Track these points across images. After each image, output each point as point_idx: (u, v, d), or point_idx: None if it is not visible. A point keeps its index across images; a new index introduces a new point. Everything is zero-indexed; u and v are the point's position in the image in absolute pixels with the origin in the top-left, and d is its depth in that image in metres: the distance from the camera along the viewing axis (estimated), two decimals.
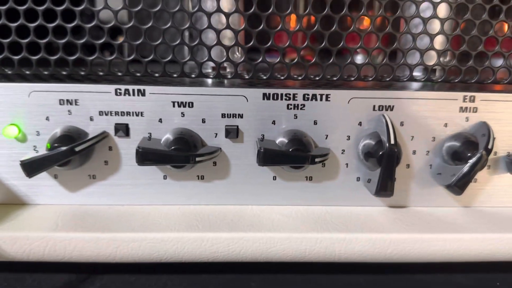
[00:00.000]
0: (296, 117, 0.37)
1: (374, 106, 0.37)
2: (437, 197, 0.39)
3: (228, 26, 0.35)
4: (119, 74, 0.36)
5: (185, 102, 0.36)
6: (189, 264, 0.37)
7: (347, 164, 0.38)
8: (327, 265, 0.39)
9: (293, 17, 0.36)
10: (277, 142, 0.37)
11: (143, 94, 0.36)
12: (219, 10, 0.35)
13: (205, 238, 0.34)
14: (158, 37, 0.35)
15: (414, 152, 0.38)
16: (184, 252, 0.34)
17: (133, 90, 0.36)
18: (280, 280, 0.40)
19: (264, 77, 0.37)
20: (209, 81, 0.38)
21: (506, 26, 0.37)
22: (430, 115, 0.37)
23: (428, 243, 0.35)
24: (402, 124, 0.37)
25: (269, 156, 0.35)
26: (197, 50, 0.37)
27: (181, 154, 0.34)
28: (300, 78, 0.37)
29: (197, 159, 0.34)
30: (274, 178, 0.38)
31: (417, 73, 0.40)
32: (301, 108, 0.37)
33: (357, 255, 0.35)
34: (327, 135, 0.38)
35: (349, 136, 0.38)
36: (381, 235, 0.34)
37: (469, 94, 0.37)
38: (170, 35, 0.36)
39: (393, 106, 0.37)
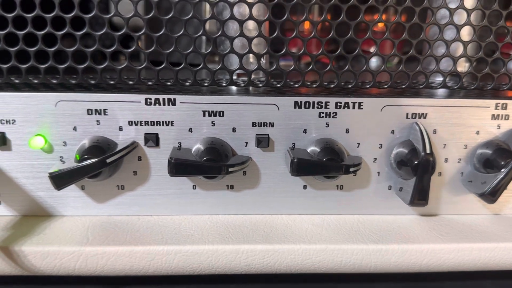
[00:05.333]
0: (328, 126, 0.36)
1: (407, 114, 0.37)
2: (468, 205, 0.39)
3: (260, 34, 0.34)
4: (149, 83, 0.36)
5: (216, 111, 0.35)
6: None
7: (378, 172, 0.38)
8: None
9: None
10: (308, 151, 0.36)
11: (174, 104, 0.35)
12: (251, 17, 0.34)
13: (240, 250, 0.33)
14: (188, 45, 0.34)
15: (446, 160, 0.38)
16: (219, 264, 0.33)
17: (163, 99, 0.35)
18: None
19: (296, 85, 0.37)
20: (236, 89, 0.37)
21: None
22: (462, 122, 0.37)
23: (463, 252, 0.34)
24: (434, 132, 0.37)
25: (302, 166, 0.34)
26: (226, 58, 0.37)
27: (214, 164, 0.33)
28: (332, 86, 0.37)
29: (230, 169, 0.34)
30: (305, 187, 0.38)
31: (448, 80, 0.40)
32: (333, 117, 0.36)
33: (393, 266, 0.34)
34: (359, 144, 0.37)
35: (381, 145, 0.37)
36: (417, 245, 0.34)
37: (501, 101, 0.37)
38: (199, 43, 0.35)
39: (426, 114, 0.37)
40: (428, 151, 0.34)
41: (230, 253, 0.33)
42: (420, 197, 0.35)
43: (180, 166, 0.33)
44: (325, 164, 0.35)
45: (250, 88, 0.37)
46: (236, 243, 0.34)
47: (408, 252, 0.34)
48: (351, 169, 0.35)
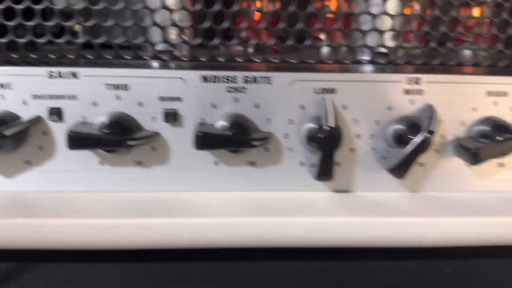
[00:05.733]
0: (238, 101, 0.36)
1: (315, 89, 0.36)
2: (383, 182, 0.39)
3: (165, 7, 0.34)
4: (53, 57, 0.35)
5: (120, 85, 0.35)
6: (132, 251, 0.36)
7: (290, 148, 0.38)
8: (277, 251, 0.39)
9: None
10: (217, 126, 0.36)
11: (77, 77, 0.35)
12: None
13: (138, 224, 0.33)
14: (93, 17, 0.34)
15: (358, 136, 0.37)
16: (118, 239, 0.33)
17: (66, 72, 0.35)
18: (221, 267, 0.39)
19: (205, 60, 0.36)
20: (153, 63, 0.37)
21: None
22: (373, 98, 0.37)
23: (365, 226, 0.34)
24: (345, 107, 0.37)
25: (206, 140, 0.34)
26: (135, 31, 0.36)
27: (113, 137, 0.33)
28: (242, 61, 0.37)
29: (129, 142, 0.33)
30: (216, 163, 0.37)
31: (365, 57, 0.40)
32: (242, 91, 0.36)
33: (294, 239, 0.34)
34: (269, 119, 0.37)
35: (292, 120, 0.37)
36: (318, 218, 0.34)
37: (413, 75, 0.36)
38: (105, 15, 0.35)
39: (335, 89, 0.36)
40: (331, 124, 0.34)
41: (128, 226, 0.33)
42: (324, 171, 0.34)
43: (77, 140, 0.33)
44: (229, 138, 0.34)
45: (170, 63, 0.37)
46: (136, 217, 0.33)
47: (308, 225, 0.34)
48: (254, 143, 0.35)
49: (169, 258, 0.39)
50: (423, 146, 0.34)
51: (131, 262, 0.39)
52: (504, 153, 0.37)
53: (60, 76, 0.35)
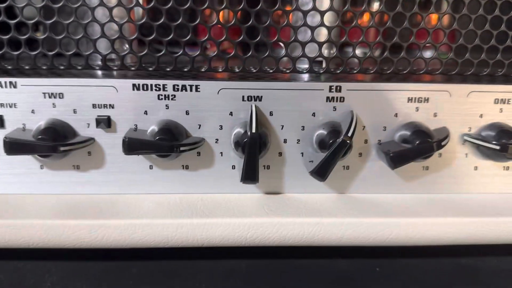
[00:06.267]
0: (168, 107, 0.38)
1: (243, 97, 0.38)
2: (311, 184, 0.40)
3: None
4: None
5: (56, 93, 0.37)
6: (77, 251, 0.38)
7: (221, 152, 0.40)
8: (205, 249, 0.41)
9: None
10: (148, 131, 0.38)
11: (15, 86, 0.37)
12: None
13: (67, 225, 0.35)
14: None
15: (285, 141, 0.39)
16: (49, 238, 0.35)
17: (5, 82, 0.37)
18: (162, 266, 0.41)
19: (133, 69, 0.38)
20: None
21: (367, 16, 0.38)
22: (298, 104, 0.38)
23: (285, 226, 0.36)
24: (271, 113, 0.39)
25: (133, 145, 0.36)
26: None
27: (46, 143, 0.35)
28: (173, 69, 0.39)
29: (62, 148, 0.35)
30: (151, 167, 0.40)
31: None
32: (172, 99, 0.38)
33: (219, 239, 0.36)
34: (200, 125, 0.39)
35: (222, 126, 0.39)
36: (240, 219, 0.36)
37: (335, 84, 0.38)
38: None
39: (261, 97, 0.38)
40: (253, 130, 0.36)
41: (58, 227, 0.35)
42: (248, 175, 0.36)
43: (14, 145, 0.35)
44: (156, 143, 0.36)
45: (100, 72, 0.39)
46: (66, 219, 0.35)
47: (231, 226, 0.36)
48: (182, 148, 0.37)
49: (108, 258, 0.41)
50: (340, 149, 0.36)
51: (71, 260, 0.41)
52: (423, 157, 0.38)
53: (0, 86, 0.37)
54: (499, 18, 0.39)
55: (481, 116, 0.40)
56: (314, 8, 0.38)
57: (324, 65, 0.40)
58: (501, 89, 0.39)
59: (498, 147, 0.37)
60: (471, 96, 0.39)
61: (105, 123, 0.38)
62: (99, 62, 0.40)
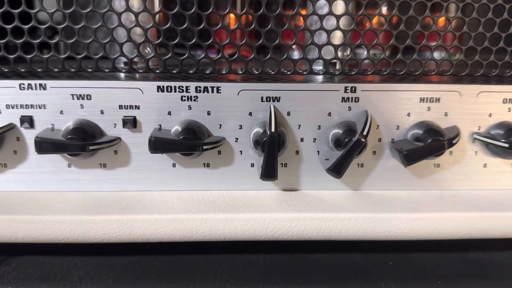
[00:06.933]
0: (190, 108, 0.40)
1: (262, 98, 0.40)
2: (327, 182, 0.42)
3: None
4: (22, 70, 0.39)
5: (84, 95, 0.39)
6: (102, 245, 0.40)
7: (241, 151, 0.41)
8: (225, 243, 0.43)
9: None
10: (172, 131, 0.40)
11: (45, 88, 0.39)
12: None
13: (96, 220, 0.37)
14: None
15: (302, 140, 0.41)
16: (79, 233, 0.37)
17: (35, 84, 0.39)
18: (184, 260, 0.43)
19: (157, 71, 0.40)
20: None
21: (375, 19, 0.40)
22: (314, 105, 0.40)
23: (304, 221, 0.38)
24: (288, 113, 0.40)
25: (158, 144, 0.38)
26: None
27: (75, 143, 0.37)
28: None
29: (90, 147, 0.37)
30: (174, 165, 0.41)
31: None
32: (194, 100, 0.40)
33: (241, 233, 0.38)
34: (220, 125, 0.40)
35: (241, 126, 0.41)
36: (261, 214, 0.37)
37: (350, 85, 0.40)
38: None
39: (279, 97, 0.40)
40: (272, 129, 0.37)
41: (87, 222, 0.37)
42: (268, 172, 0.38)
43: (43, 145, 0.37)
44: (181, 142, 0.38)
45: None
46: (94, 214, 0.37)
47: (252, 220, 0.37)
48: (205, 147, 0.38)
49: (133, 252, 0.43)
50: (355, 148, 0.38)
51: (97, 255, 0.43)
52: (434, 155, 0.40)
53: (30, 88, 0.39)
54: (507, 21, 0.40)
55: (490, 115, 0.41)
56: (330, 12, 0.39)
57: (339, 66, 0.42)
58: (510, 89, 0.41)
59: (506, 145, 0.39)
60: (480, 96, 0.41)
61: (131, 123, 0.39)
62: (125, 65, 0.41)
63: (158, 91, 0.39)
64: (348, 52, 0.41)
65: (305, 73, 0.41)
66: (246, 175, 0.42)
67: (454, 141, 0.39)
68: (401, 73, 0.42)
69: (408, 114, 0.41)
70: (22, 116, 0.39)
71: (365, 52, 0.41)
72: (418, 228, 0.39)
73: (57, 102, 0.39)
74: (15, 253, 0.44)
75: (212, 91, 0.39)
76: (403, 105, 0.41)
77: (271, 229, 0.38)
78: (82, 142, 0.37)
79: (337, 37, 0.42)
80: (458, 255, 0.46)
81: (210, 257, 0.43)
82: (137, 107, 0.39)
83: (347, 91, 0.40)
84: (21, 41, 0.38)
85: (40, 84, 0.39)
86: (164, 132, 0.39)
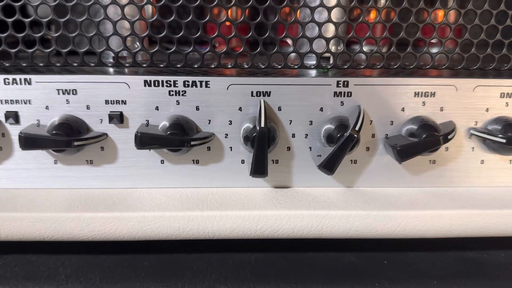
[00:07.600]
0: (179, 103, 0.39)
1: (252, 92, 0.39)
2: (320, 178, 0.41)
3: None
4: (7, 65, 0.38)
5: (69, 90, 0.38)
6: (90, 244, 0.39)
7: (231, 147, 0.40)
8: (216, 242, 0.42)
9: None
10: (159, 126, 0.39)
11: (30, 83, 0.38)
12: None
13: (81, 217, 0.36)
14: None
15: (293, 135, 0.40)
16: (64, 231, 0.36)
17: (20, 79, 0.38)
18: (173, 259, 0.42)
19: (144, 65, 0.39)
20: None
21: (373, 13, 0.39)
22: (306, 99, 0.39)
23: (294, 219, 0.37)
24: (279, 108, 0.39)
25: (145, 140, 0.37)
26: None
27: (60, 138, 0.36)
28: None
29: (76, 143, 0.36)
30: (162, 161, 0.40)
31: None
32: (182, 95, 0.39)
33: (229, 231, 0.37)
34: (209, 120, 0.39)
35: (231, 121, 0.40)
36: (250, 212, 0.36)
37: (342, 79, 0.39)
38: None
39: (270, 92, 0.39)
40: (262, 124, 0.36)
41: (72, 220, 0.36)
42: (257, 168, 0.37)
43: (29, 140, 0.36)
44: (167, 138, 0.37)
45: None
46: (80, 212, 0.36)
47: (241, 218, 0.36)
48: (193, 143, 0.37)
49: (121, 251, 0.42)
50: (348, 143, 0.37)
51: (85, 254, 0.42)
52: (429, 151, 0.39)
53: (14, 83, 0.38)
54: (504, 13, 0.39)
55: (487, 110, 0.40)
56: (322, 5, 0.38)
57: (331, 60, 0.41)
58: (507, 83, 0.40)
59: (504, 140, 0.38)
60: (477, 91, 0.40)
61: (118, 118, 0.38)
62: (112, 60, 0.40)
63: (145, 85, 0.38)
64: (341, 46, 0.40)
65: (296, 67, 0.40)
66: (236, 172, 0.41)
67: (449, 137, 0.38)
68: (395, 67, 0.41)
69: (403, 109, 0.40)
70: (7, 111, 0.38)
71: (358, 46, 0.40)
72: (412, 226, 0.38)
73: (43, 97, 0.38)
74: (1, 252, 0.43)
75: (201, 86, 0.39)
76: (397, 100, 0.40)
77: (261, 227, 0.37)
78: (67, 138, 0.36)
79: (330, 31, 0.40)
80: (455, 254, 0.44)
81: (200, 256, 0.42)
82: (124, 102, 0.39)
83: (340, 85, 0.39)
84: (5, 35, 0.37)
85: (25, 79, 0.38)
86: (152, 127, 0.39)
